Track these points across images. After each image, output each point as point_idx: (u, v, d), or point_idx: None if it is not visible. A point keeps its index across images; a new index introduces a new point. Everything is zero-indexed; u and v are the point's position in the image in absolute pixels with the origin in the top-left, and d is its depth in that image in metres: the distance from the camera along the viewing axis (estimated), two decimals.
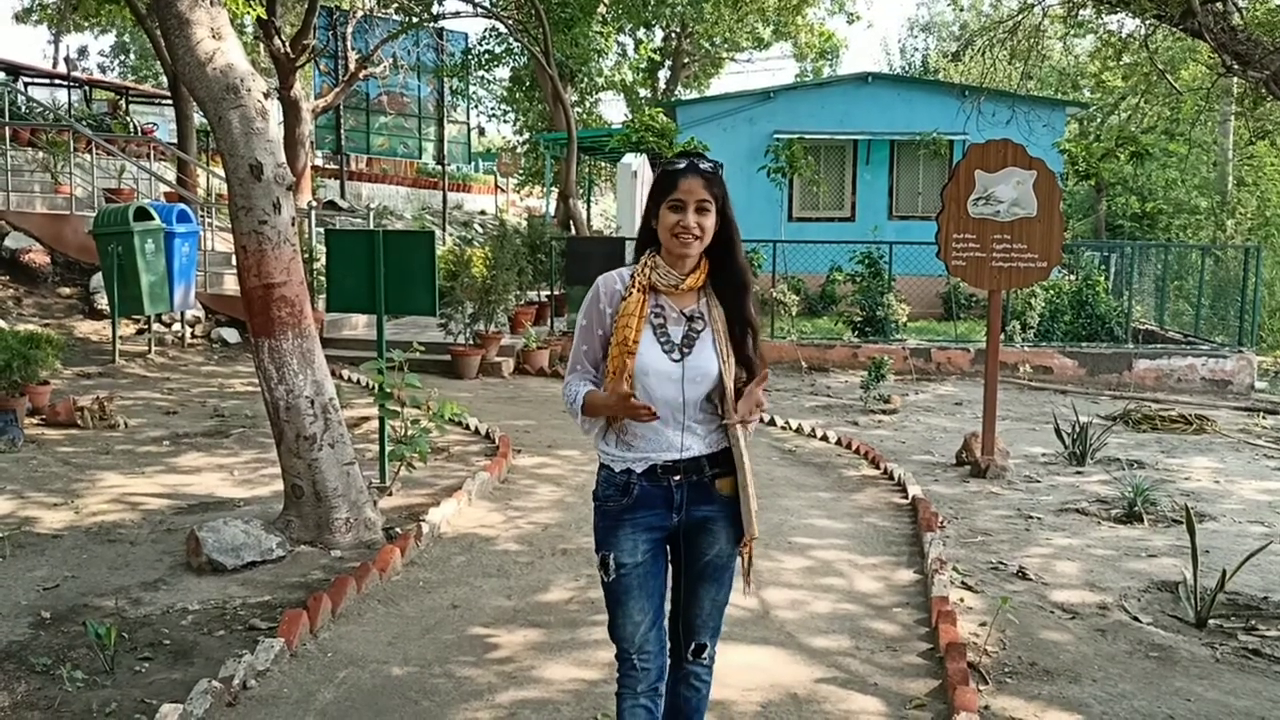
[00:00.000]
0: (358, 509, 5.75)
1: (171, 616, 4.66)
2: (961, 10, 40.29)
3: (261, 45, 18.02)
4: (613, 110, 57.16)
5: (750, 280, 2.89)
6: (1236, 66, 8.43)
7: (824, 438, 9.07)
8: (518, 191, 33.15)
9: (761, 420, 9.65)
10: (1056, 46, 28.19)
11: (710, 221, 2.75)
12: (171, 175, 17.20)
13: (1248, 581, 5.25)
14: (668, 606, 2.97)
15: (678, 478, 2.82)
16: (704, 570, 2.91)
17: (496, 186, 30.99)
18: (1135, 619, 4.89)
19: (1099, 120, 26.08)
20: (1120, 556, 5.86)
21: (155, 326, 12.30)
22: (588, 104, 29.96)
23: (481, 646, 4.45)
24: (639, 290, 2.80)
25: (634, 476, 2.82)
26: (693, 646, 2.97)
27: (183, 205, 12.60)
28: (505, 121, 31.46)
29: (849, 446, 8.74)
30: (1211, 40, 8.37)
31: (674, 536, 2.90)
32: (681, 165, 2.76)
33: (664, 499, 2.83)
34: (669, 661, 2.98)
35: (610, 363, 2.79)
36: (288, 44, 17.22)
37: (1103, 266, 15.83)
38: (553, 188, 23.11)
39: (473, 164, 32.43)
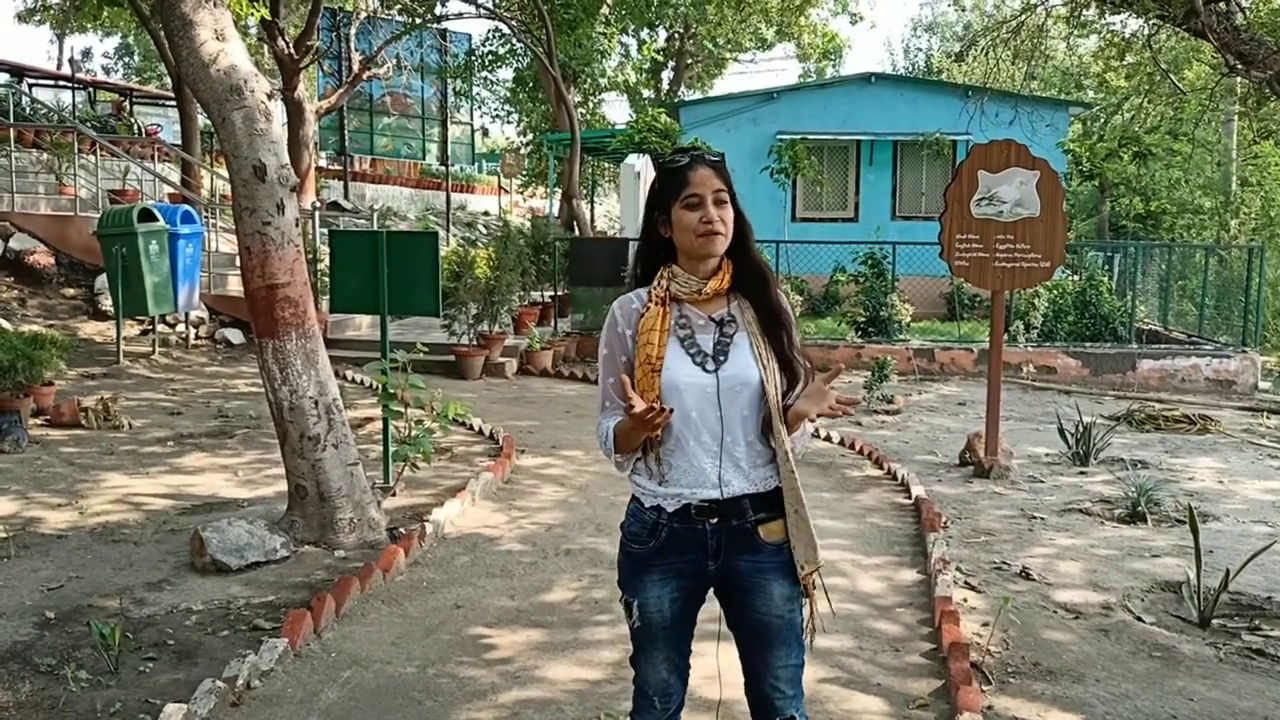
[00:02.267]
0: (361, 509, 5.76)
1: (176, 617, 4.67)
2: (964, 10, 40.30)
3: (265, 46, 18.06)
4: (616, 111, 57.11)
5: (770, 272, 2.59)
6: (1240, 66, 8.43)
7: (827, 438, 9.07)
8: (521, 192, 33.16)
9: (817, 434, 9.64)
10: (1060, 47, 28.19)
11: (729, 215, 2.47)
12: (176, 176, 17.20)
13: (1251, 581, 5.24)
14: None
15: (714, 521, 2.47)
16: (762, 632, 2.53)
17: (500, 187, 31.00)
18: (1138, 619, 4.89)
19: (1102, 120, 26.05)
20: (1123, 556, 5.86)
21: (159, 327, 12.33)
22: (591, 105, 29.99)
23: (484, 646, 4.46)
24: (658, 303, 2.50)
25: (664, 515, 2.49)
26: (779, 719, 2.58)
27: (187, 206, 12.62)
28: (509, 122, 31.57)
29: (852, 446, 8.74)
30: (1215, 40, 8.37)
31: (714, 588, 2.58)
32: (684, 159, 2.50)
33: (698, 544, 2.49)
34: None
35: (637, 386, 2.46)
36: (291, 45, 17.24)
37: (1106, 266, 15.83)
38: (556, 188, 23.12)
39: (476, 165, 32.47)
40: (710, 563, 2.51)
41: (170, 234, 11.51)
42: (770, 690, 2.56)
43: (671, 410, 2.36)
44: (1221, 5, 8.60)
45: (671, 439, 2.48)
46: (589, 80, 25.61)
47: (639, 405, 2.30)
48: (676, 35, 30.73)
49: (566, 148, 18.88)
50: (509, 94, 29.05)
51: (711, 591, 2.62)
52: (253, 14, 13.51)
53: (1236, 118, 22.28)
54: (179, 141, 18.13)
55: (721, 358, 2.47)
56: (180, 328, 12.71)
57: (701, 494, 2.46)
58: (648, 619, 2.55)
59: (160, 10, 5.66)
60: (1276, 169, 22.81)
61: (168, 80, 22.75)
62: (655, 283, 2.55)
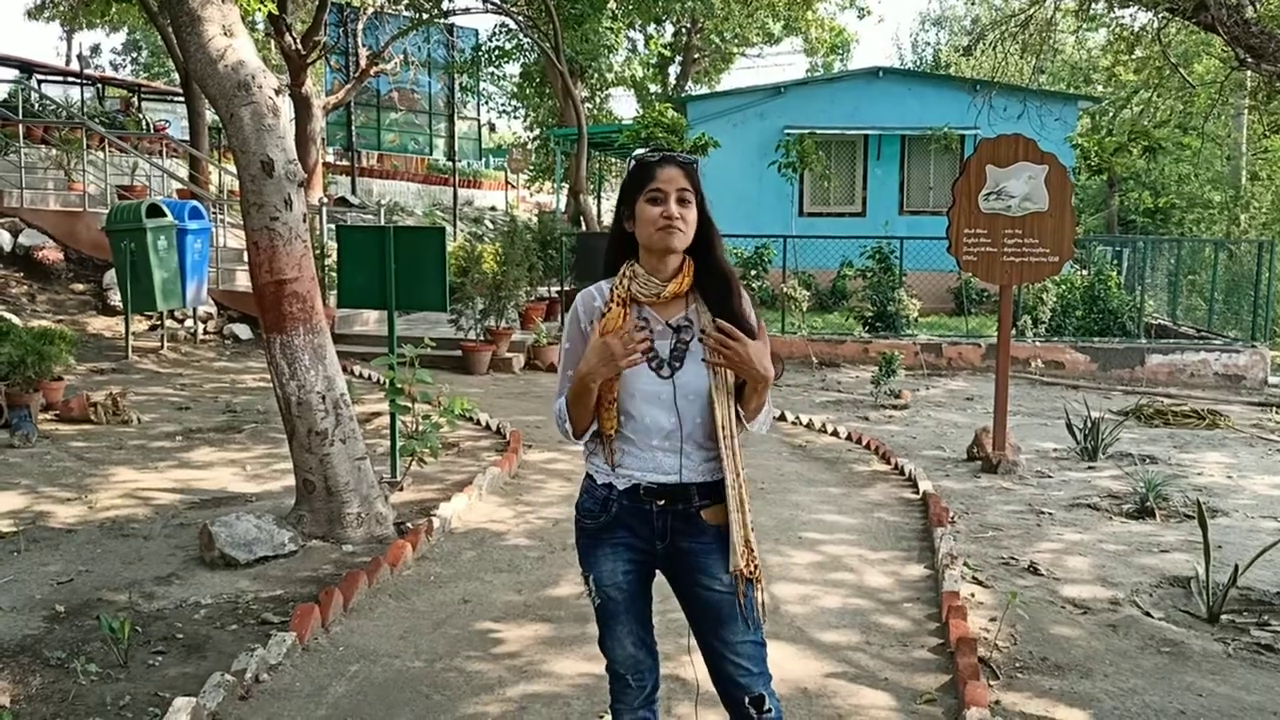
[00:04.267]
0: (369, 504, 5.77)
1: (184, 611, 4.68)
2: (973, 4, 40.18)
3: (272, 42, 18.05)
4: (623, 106, 57.17)
5: (735, 279, 2.58)
6: (1250, 60, 8.37)
7: (834, 433, 9.06)
8: (528, 187, 33.18)
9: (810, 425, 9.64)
10: (1068, 41, 28.08)
11: (692, 215, 2.50)
12: (184, 172, 17.25)
13: (1260, 577, 5.23)
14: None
15: (661, 502, 2.55)
16: (713, 608, 2.58)
17: (507, 182, 31.03)
18: (1147, 614, 4.88)
19: (1111, 114, 25.98)
20: (1132, 552, 5.85)
21: (168, 322, 12.36)
22: (598, 100, 29.98)
23: (491, 641, 4.46)
24: (618, 304, 2.53)
25: (614, 493, 2.58)
26: (748, 700, 2.60)
27: (195, 202, 12.64)
28: (516, 117, 31.56)
29: (859, 441, 8.74)
30: (1225, 34, 8.32)
31: (662, 568, 2.66)
32: (655, 156, 2.52)
33: (645, 523, 2.58)
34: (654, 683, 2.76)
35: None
36: (299, 41, 17.25)
37: (1115, 261, 15.80)
38: (563, 183, 23.12)
39: (483, 160, 32.50)
40: (658, 542, 2.60)
41: (178, 229, 11.53)
42: (733, 669, 2.60)
43: (649, 338, 2.48)
44: None
45: (627, 439, 2.56)
46: (596, 75, 25.61)
47: (625, 334, 2.43)
48: (683, 30, 30.69)
49: (573, 143, 18.87)
50: (516, 89, 29.04)
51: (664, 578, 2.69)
52: (260, 9, 13.52)
53: (1246, 112, 22.15)
54: (187, 137, 18.19)
55: (677, 364, 2.53)
56: (188, 323, 12.74)
57: (653, 478, 2.56)
58: (605, 593, 2.65)
59: (168, 6, 5.67)
60: None
61: (176, 76, 22.82)
62: (618, 280, 2.59)
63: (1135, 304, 14.18)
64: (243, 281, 13.01)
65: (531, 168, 31.50)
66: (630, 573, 2.64)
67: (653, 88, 30.89)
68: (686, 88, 31.32)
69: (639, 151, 2.73)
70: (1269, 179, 23.72)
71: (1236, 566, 4.90)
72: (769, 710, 2.61)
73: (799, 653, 4.36)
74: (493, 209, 28.05)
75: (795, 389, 11.52)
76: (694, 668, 2.70)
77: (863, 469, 7.91)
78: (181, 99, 19.98)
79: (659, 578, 2.72)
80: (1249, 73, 10.22)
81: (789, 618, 4.75)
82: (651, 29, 28.50)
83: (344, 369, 6.33)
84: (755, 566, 2.55)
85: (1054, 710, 3.88)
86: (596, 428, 2.60)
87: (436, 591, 5.04)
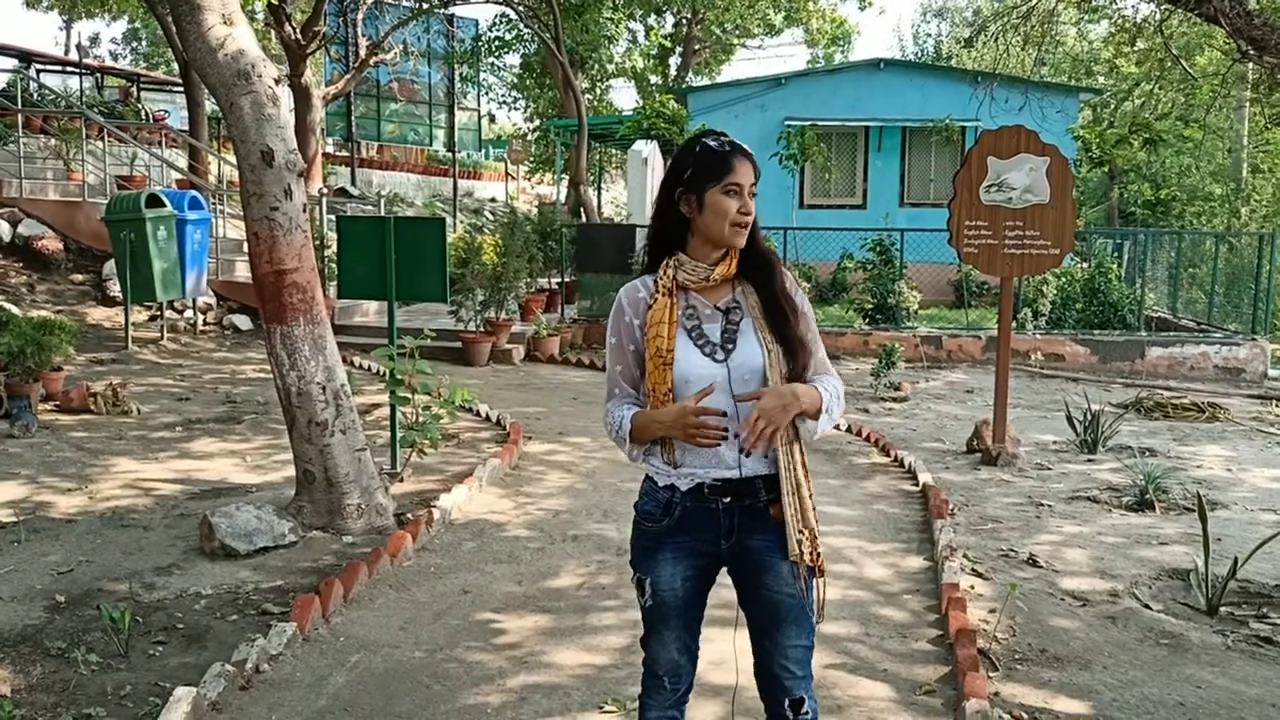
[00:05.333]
0: (369, 495, 5.77)
1: (185, 601, 4.69)
2: None
3: (272, 32, 18.02)
4: (624, 97, 57.09)
5: (779, 260, 2.59)
6: (1252, 52, 8.34)
7: (835, 425, 9.05)
8: (528, 178, 33.15)
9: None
10: (1070, 32, 28.03)
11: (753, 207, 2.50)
12: (183, 162, 17.22)
13: (1260, 569, 5.23)
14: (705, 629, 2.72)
15: (728, 500, 2.50)
16: (774, 611, 2.54)
17: (507, 174, 31.00)
18: (1146, 606, 4.88)
19: (1113, 106, 25.92)
20: (1131, 544, 5.85)
21: (167, 313, 12.35)
22: (598, 91, 29.91)
23: (491, 631, 4.47)
24: (664, 293, 2.51)
25: (677, 494, 2.52)
26: (788, 702, 2.58)
27: (194, 192, 12.63)
28: (516, 108, 31.46)
29: (859, 434, 8.74)
30: (1227, 25, 8.29)
31: (727, 566, 2.60)
32: (728, 145, 2.48)
33: (711, 523, 2.51)
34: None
35: (649, 380, 2.50)
36: (298, 30, 17.21)
37: (1115, 254, 15.75)
38: (563, 175, 23.09)
39: (483, 151, 32.44)
40: (723, 541, 2.53)
41: (178, 220, 11.52)
42: (780, 670, 2.57)
43: (725, 433, 2.40)
44: None
45: None
46: (596, 66, 25.54)
47: (707, 417, 2.39)
48: (684, 21, 30.58)
49: (574, 134, 18.83)
50: (516, 80, 28.96)
51: (726, 573, 2.63)
52: None
53: (1248, 104, 22.15)
54: (187, 127, 18.15)
55: (730, 346, 2.48)
56: (188, 313, 12.74)
57: (716, 474, 2.49)
58: (660, 597, 2.57)
59: None
60: None
61: (175, 66, 22.77)
62: (660, 272, 2.55)
63: (1135, 297, 14.16)
64: (242, 272, 13.00)
65: (531, 159, 31.45)
66: (691, 578, 2.57)
67: (653, 79, 30.81)
68: (687, 79, 31.23)
69: (707, 139, 2.71)
70: (1270, 172, 23.69)
71: (1236, 559, 4.90)
72: (806, 713, 2.60)
73: None
74: (493, 200, 28.02)
75: None
76: (737, 674, 2.59)
77: (862, 461, 7.91)
78: (181, 88, 19.94)
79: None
80: (1251, 65, 10.20)
81: None
82: (652, 20, 28.46)
83: (344, 360, 6.33)
84: (818, 555, 2.50)
85: (1053, 702, 3.89)
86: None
87: (437, 582, 5.05)
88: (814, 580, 2.54)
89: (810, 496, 2.53)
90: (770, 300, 2.52)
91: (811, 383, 2.53)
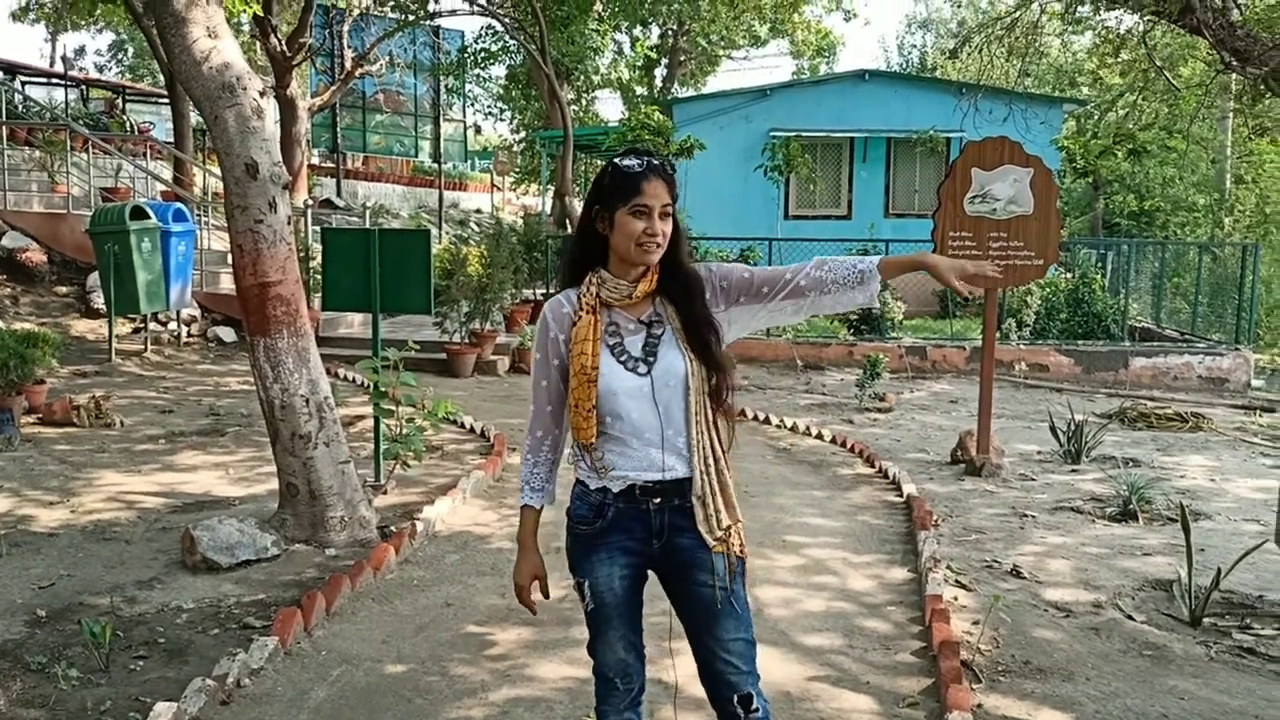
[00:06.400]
0: (352, 507, 5.75)
1: (166, 615, 4.66)
2: (959, 7, 40.32)
3: (258, 44, 18.01)
4: (609, 108, 57.20)
5: (699, 279, 2.61)
6: (1235, 63, 8.42)
7: (819, 436, 9.08)
8: (514, 190, 33.14)
9: (757, 419, 9.66)
10: (1054, 43, 28.20)
11: (669, 228, 2.52)
12: (168, 174, 17.17)
13: (1242, 580, 5.25)
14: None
15: (657, 500, 2.56)
16: (708, 606, 2.58)
17: (492, 185, 30.98)
18: (1129, 617, 4.90)
19: (1097, 117, 26.07)
20: (1114, 555, 5.87)
21: (151, 325, 12.30)
22: (584, 102, 29.97)
23: (475, 644, 4.45)
24: (589, 311, 2.55)
25: (609, 496, 2.58)
26: (736, 698, 2.60)
27: (179, 204, 12.60)
28: (501, 120, 31.52)
29: (844, 444, 8.75)
30: (1210, 36, 8.36)
31: (657, 568, 2.66)
32: (639, 165, 2.49)
33: (642, 523, 2.58)
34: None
35: (572, 395, 2.57)
36: (284, 42, 17.21)
37: (1099, 264, 15.84)
38: (549, 186, 23.10)
39: (469, 162, 32.47)
40: (654, 540, 2.60)
41: (162, 232, 11.48)
42: (723, 666, 2.60)
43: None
44: (1217, 1, 8.59)
45: (617, 439, 2.56)
46: (582, 77, 25.58)
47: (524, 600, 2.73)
48: (670, 32, 30.71)
49: (559, 145, 18.85)
50: (502, 91, 29.00)
51: (656, 579, 2.69)
52: (245, 11, 13.49)
53: (1232, 114, 22.29)
54: (172, 139, 18.10)
55: (652, 359, 2.55)
56: (172, 326, 12.69)
57: (646, 477, 2.56)
58: (601, 599, 2.63)
59: (153, 7, 5.65)
60: (1271, 166, 22.85)
61: (160, 78, 22.73)
62: (584, 288, 2.59)
63: (1119, 307, 14.24)
64: (227, 284, 12.95)
65: (517, 170, 31.46)
66: (626, 577, 2.63)
67: (639, 90, 30.89)
68: (673, 90, 31.34)
69: (623, 159, 2.68)
70: (1253, 182, 23.83)
71: (1219, 570, 4.92)
72: (756, 710, 2.61)
73: (782, 656, 4.36)
74: (478, 211, 28.01)
75: (779, 392, 11.54)
76: (674, 670, 2.70)
77: (847, 472, 7.92)
78: (166, 101, 19.89)
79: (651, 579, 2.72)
80: (1234, 76, 10.27)
81: (772, 621, 4.75)
82: (638, 31, 28.55)
83: (328, 372, 6.31)
84: (734, 536, 2.57)
85: (1036, 713, 3.89)
86: (575, 439, 2.62)
87: (420, 595, 5.03)
88: (742, 576, 2.60)
89: (733, 493, 2.61)
90: (690, 324, 2.57)
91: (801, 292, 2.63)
